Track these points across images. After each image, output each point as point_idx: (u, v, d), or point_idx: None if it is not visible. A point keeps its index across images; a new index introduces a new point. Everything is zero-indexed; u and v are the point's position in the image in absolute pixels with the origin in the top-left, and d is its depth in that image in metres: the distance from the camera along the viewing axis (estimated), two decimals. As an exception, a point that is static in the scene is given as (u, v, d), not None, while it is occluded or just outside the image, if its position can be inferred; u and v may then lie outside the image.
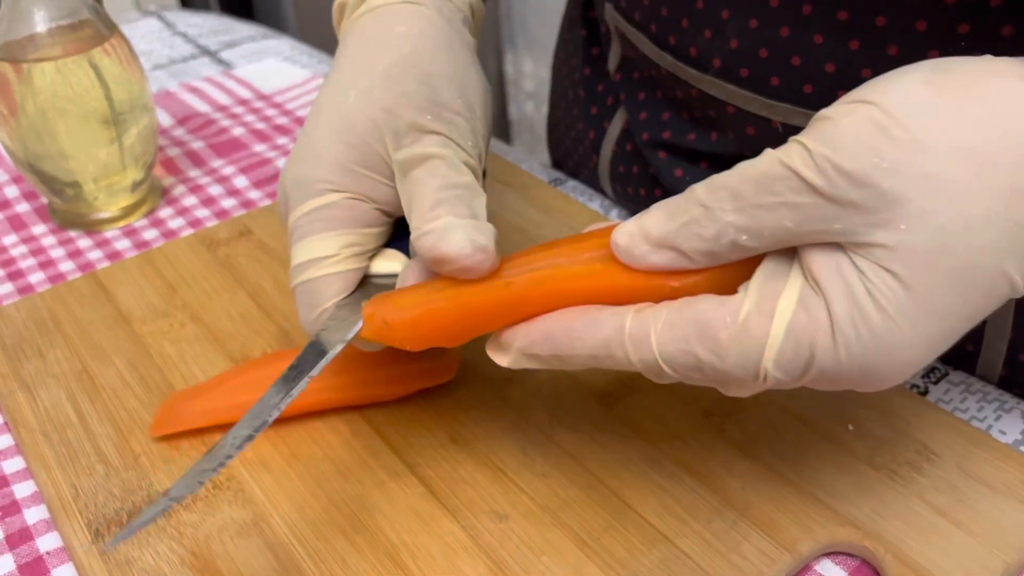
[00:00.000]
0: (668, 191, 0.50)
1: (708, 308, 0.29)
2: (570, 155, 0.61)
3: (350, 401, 0.40)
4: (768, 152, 0.28)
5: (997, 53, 0.37)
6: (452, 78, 0.37)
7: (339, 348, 0.34)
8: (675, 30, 0.46)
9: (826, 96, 0.41)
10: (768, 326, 0.28)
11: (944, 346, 0.28)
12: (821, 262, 0.28)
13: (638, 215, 0.30)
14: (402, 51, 0.37)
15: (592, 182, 0.59)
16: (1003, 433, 0.40)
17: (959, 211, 0.26)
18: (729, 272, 0.30)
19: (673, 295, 0.30)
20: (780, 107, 0.42)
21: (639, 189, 0.53)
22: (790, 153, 0.27)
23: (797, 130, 0.42)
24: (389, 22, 0.38)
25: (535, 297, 0.31)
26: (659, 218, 0.30)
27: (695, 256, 0.29)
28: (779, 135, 0.43)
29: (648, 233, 0.30)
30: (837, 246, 0.27)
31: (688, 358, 0.29)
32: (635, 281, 0.30)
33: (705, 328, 0.28)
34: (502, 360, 0.32)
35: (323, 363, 0.34)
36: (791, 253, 0.29)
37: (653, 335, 0.29)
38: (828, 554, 0.35)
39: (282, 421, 0.40)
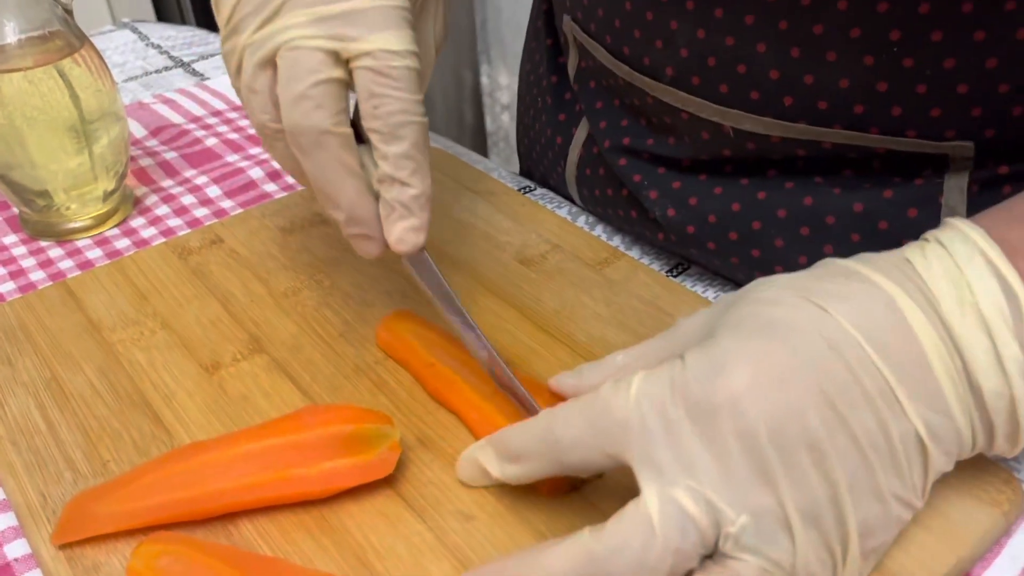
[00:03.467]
0: (632, 193, 0.51)
1: None
2: (539, 163, 0.62)
3: (281, 500, 0.37)
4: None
5: (928, 58, 0.38)
6: None
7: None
8: (629, 41, 0.47)
9: (772, 101, 0.42)
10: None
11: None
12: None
13: None
14: None
15: (561, 189, 0.60)
16: (959, 431, 0.41)
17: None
18: None
19: None
20: (730, 112, 0.44)
21: (606, 190, 0.54)
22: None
23: (747, 135, 0.44)
24: None
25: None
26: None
27: None
28: (731, 139, 0.45)
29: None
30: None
31: None
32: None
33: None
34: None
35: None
36: None
37: None
38: (788, 550, 0.36)
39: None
